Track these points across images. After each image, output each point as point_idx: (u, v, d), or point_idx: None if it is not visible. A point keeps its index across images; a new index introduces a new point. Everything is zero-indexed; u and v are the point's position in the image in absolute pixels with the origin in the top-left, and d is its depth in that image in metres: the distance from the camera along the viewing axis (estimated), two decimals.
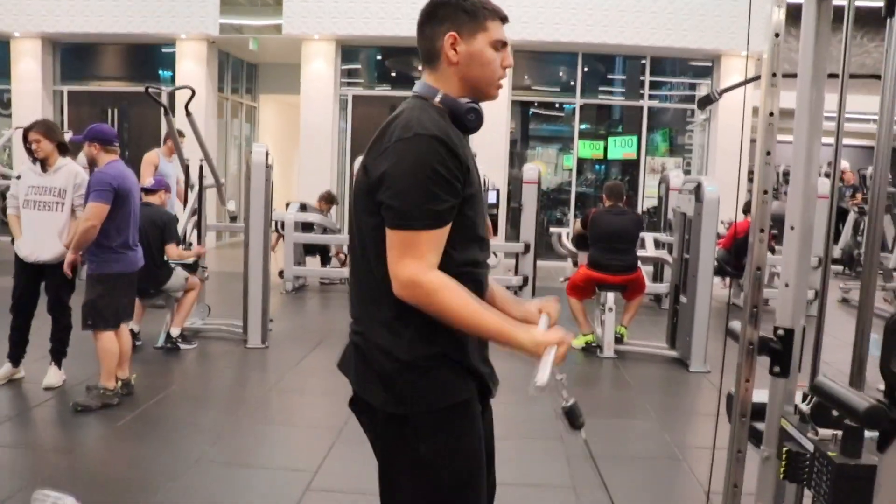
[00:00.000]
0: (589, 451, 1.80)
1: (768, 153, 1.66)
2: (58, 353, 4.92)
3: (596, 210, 6.72)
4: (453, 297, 1.64)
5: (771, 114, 1.65)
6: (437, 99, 1.75)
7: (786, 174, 9.99)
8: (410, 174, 1.61)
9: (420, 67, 1.85)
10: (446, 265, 1.66)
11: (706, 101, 3.11)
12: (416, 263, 1.61)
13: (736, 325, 1.88)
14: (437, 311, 1.64)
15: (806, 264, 1.86)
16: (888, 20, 1.67)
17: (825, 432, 1.68)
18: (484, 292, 1.82)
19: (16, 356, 4.93)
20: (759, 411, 1.93)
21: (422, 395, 1.69)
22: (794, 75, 1.77)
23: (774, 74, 1.64)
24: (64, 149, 4.85)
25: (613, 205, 6.52)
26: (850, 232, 10.86)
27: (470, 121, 1.75)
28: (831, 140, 1.83)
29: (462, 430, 1.74)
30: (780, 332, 1.84)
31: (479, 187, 1.77)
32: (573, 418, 1.73)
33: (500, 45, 1.79)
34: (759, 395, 1.94)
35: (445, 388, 1.71)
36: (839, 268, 10.99)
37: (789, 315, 1.85)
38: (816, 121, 1.71)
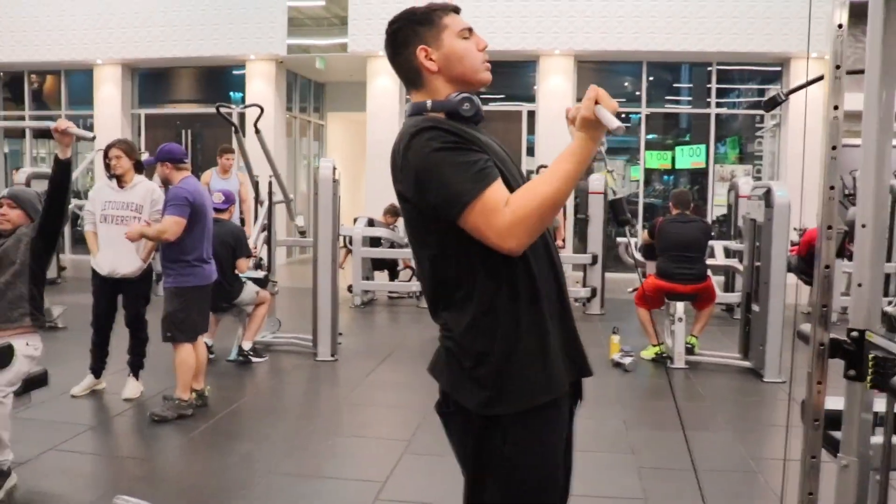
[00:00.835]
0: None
1: (833, 147, 1.62)
2: (136, 365, 5.11)
3: (663, 219, 6.60)
4: (531, 190, 1.63)
5: (836, 107, 1.61)
6: (429, 107, 1.78)
7: None
8: (433, 166, 1.64)
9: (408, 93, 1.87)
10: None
11: (773, 103, 3.02)
12: (499, 215, 1.60)
13: (806, 327, 1.83)
14: (540, 213, 1.61)
15: (880, 263, 1.80)
16: None
17: None
18: (548, 265, 1.79)
19: (97, 369, 5.14)
20: (835, 419, 1.87)
21: (513, 395, 1.70)
22: (862, 71, 1.73)
23: (838, 67, 1.60)
24: (140, 167, 5.05)
25: (681, 213, 6.40)
26: None
27: (466, 110, 1.75)
28: None
29: (548, 431, 1.75)
30: (854, 333, 1.78)
31: (505, 158, 1.79)
32: (618, 211, 1.81)
33: (466, 32, 1.81)
34: (836, 403, 1.88)
35: (536, 388, 1.71)
36: None
37: (863, 316, 1.79)
38: (887, 118, 1.66)
